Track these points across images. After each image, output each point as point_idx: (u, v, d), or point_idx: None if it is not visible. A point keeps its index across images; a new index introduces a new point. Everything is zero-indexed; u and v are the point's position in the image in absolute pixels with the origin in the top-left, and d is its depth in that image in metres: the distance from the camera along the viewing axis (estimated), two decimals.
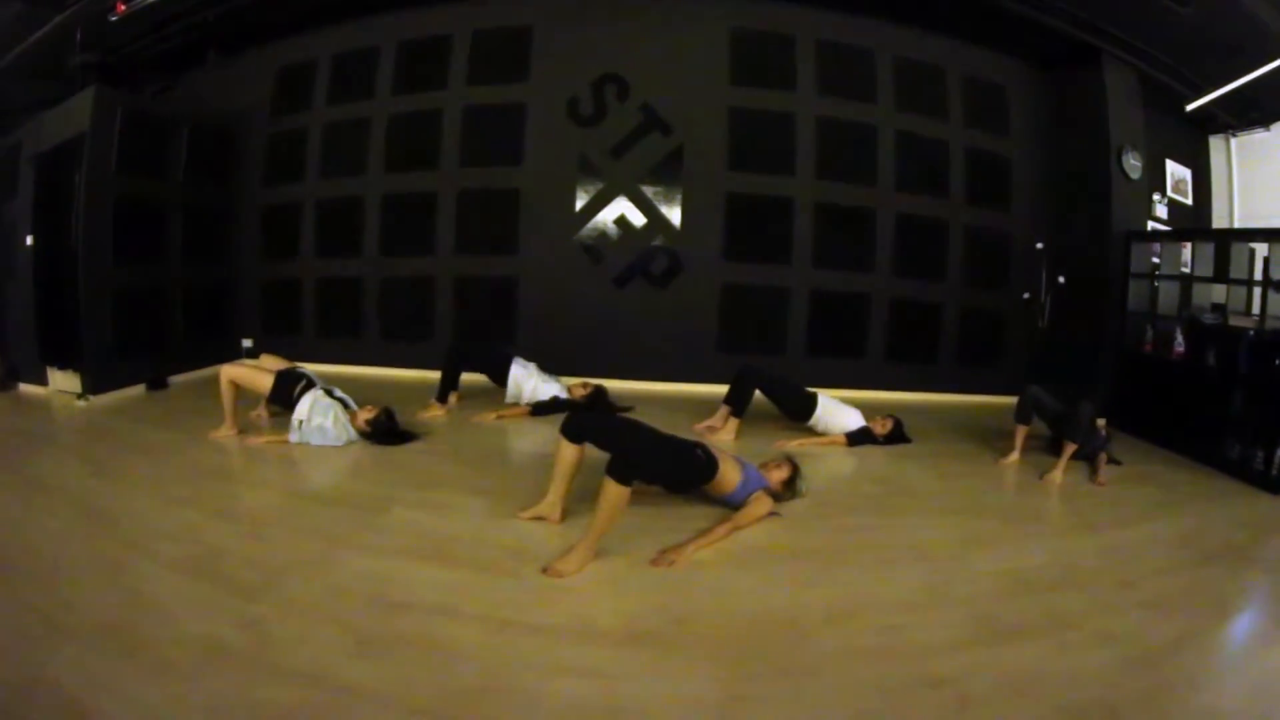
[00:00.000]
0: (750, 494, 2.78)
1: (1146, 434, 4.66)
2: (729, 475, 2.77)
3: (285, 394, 3.79)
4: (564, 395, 4.60)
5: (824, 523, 2.87)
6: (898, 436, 4.20)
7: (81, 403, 4.61)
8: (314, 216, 5.94)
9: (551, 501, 2.70)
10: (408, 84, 5.69)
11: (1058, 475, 3.53)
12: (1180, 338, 4.54)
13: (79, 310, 4.65)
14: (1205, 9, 4.68)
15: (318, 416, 3.66)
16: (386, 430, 3.77)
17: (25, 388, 5.09)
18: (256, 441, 3.74)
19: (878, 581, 2.34)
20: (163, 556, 2.30)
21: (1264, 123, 6.14)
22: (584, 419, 2.81)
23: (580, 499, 2.74)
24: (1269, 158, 6.22)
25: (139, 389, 5.01)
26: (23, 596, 2.02)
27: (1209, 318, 4.41)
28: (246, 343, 6.12)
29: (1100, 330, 5.24)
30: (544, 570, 2.27)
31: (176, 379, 5.36)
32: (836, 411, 4.22)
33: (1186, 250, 5.02)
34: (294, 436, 3.67)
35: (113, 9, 4.63)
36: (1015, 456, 3.84)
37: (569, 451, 2.66)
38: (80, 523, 2.59)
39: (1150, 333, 4.84)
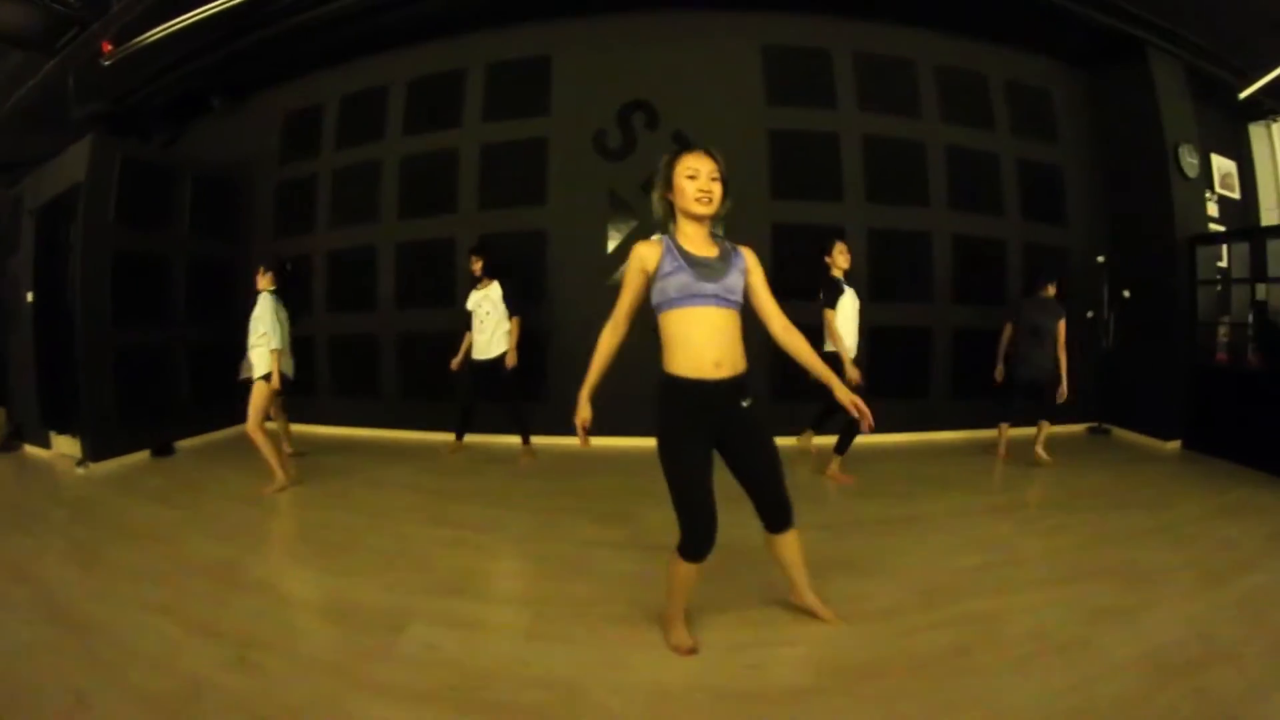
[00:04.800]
0: None
1: (1229, 454, 4.30)
2: None
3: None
4: None
5: (927, 616, 2.37)
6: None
7: (81, 470, 4.33)
8: (325, 269, 5.62)
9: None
10: (420, 123, 5.37)
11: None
12: (1254, 345, 4.33)
13: (78, 372, 4.36)
14: None
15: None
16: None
17: (29, 449, 4.86)
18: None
19: (1012, 691, 1.89)
20: (132, 689, 1.92)
21: None
22: None
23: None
24: None
25: (144, 455, 4.68)
26: None
27: None
28: None
29: (1169, 345, 4.86)
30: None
31: (185, 444, 5.03)
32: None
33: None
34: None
35: (99, 51, 4.43)
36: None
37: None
38: (49, 631, 2.27)
39: (1222, 343, 4.60)
